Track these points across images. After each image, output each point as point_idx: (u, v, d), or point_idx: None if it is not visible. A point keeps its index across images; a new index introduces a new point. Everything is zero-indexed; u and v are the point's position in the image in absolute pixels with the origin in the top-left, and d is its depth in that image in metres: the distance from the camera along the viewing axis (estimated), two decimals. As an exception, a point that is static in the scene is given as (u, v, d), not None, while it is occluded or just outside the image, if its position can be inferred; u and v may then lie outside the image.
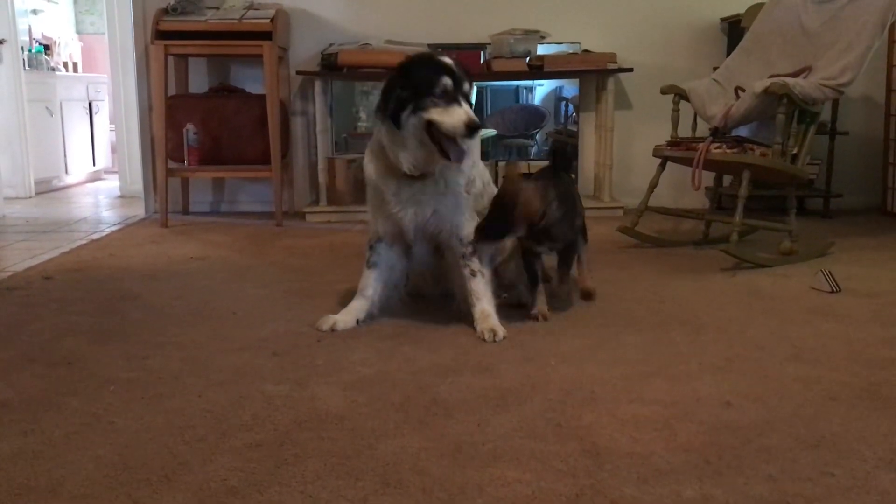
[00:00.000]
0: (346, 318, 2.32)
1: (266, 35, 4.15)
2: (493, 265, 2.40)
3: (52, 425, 1.62)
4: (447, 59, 2.19)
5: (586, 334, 2.23)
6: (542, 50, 4.51)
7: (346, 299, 2.44)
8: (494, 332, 2.19)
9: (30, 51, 6.24)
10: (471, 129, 2.10)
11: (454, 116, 2.11)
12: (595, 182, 4.76)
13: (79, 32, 7.68)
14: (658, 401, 1.73)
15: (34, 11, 6.81)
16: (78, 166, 6.57)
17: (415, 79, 2.16)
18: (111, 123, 6.66)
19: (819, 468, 1.41)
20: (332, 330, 2.27)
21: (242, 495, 1.33)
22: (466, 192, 2.31)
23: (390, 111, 2.16)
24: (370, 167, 2.32)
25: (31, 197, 5.74)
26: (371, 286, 2.38)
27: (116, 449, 1.51)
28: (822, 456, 1.46)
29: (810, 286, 2.75)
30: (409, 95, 2.14)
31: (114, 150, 6.65)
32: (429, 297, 2.56)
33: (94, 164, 6.85)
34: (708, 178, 3.62)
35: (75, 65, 7.23)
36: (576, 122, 4.88)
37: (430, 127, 2.14)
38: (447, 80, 2.13)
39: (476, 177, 2.37)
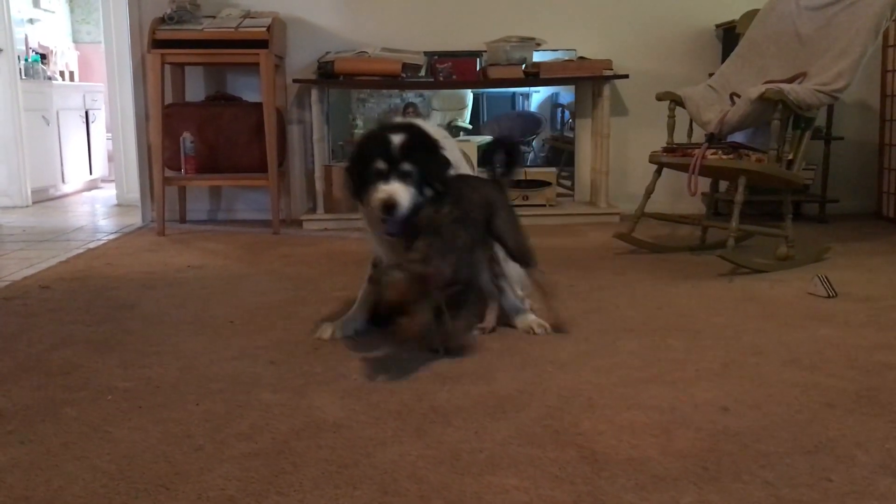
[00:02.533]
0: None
1: (262, 43, 4.16)
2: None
3: (50, 435, 1.62)
4: (393, 137, 2.07)
5: (583, 341, 2.23)
6: (538, 57, 4.52)
7: (344, 307, 2.43)
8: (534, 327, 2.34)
9: (26, 60, 6.25)
10: (386, 207, 2.03)
11: (377, 194, 2.05)
12: (591, 188, 4.78)
13: (75, 41, 7.69)
14: (655, 407, 1.73)
15: (31, 21, 6.83)
16: (74, 175, 6.57)
17: (361, 159, 2.13)
18: (108, 132, 6.67)
19: (816, 473, 1.41)
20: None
21: (240, 504, 1.33)
22: None
23: (354, 189, 2.16)
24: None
25: (27, 206, 5.73)
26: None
27: (114, 458, 1.50)
28: (820, 461, 1.46)
29: (807, 291, 2.76)
30: (360, 174, 2.12)
31: (110, 158, 6.64)
32: None
33: (90, 173, 6.86)
34: (704, 183, 3.63)
35: (72, 74, 7.24)
36: (572, 129, 4.90)
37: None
38: (381, 165, 2.05)
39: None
